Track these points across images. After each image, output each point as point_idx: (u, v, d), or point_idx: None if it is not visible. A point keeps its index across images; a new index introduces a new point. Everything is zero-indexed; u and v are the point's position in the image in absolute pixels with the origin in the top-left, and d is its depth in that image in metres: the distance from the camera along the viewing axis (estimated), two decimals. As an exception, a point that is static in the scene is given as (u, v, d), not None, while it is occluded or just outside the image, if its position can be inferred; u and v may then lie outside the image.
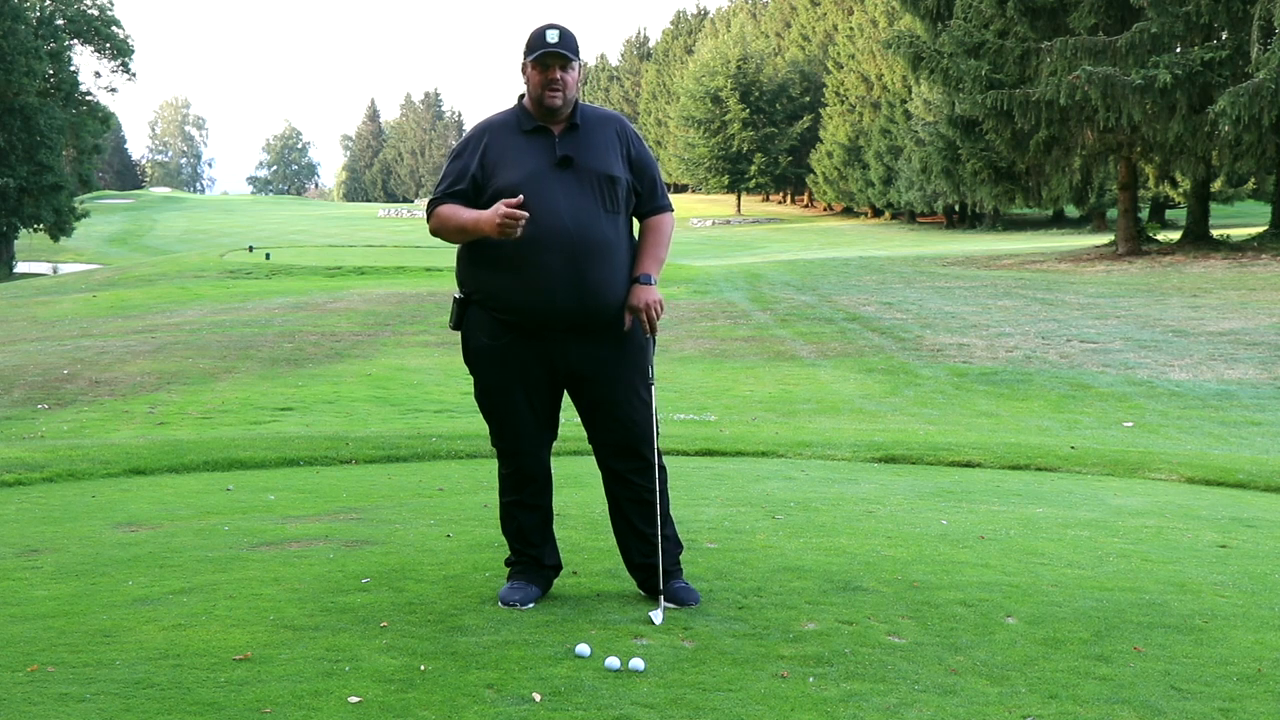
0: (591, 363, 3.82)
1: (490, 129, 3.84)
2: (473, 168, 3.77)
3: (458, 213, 3.73)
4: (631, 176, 3.86)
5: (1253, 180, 46.31)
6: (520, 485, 3.93)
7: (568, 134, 3.79)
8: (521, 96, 3.87)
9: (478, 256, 3.80)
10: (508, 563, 4.00)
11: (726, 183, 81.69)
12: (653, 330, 3.82)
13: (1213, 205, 38.68)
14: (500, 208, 3.59)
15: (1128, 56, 27.71)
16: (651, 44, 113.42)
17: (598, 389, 3.85)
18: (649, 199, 3.91)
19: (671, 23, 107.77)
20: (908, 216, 69.57)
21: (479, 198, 3.76)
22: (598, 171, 3.76)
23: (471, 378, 3.96)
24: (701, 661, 3.30)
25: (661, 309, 3.79)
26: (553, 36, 3.73)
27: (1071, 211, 59.50)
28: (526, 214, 3.60)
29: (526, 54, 3.76)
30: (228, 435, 9.87)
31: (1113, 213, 45.72)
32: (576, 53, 3.75)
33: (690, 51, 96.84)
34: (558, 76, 3.72)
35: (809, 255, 39.37)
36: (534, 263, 3.69)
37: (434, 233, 3.83)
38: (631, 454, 3.89)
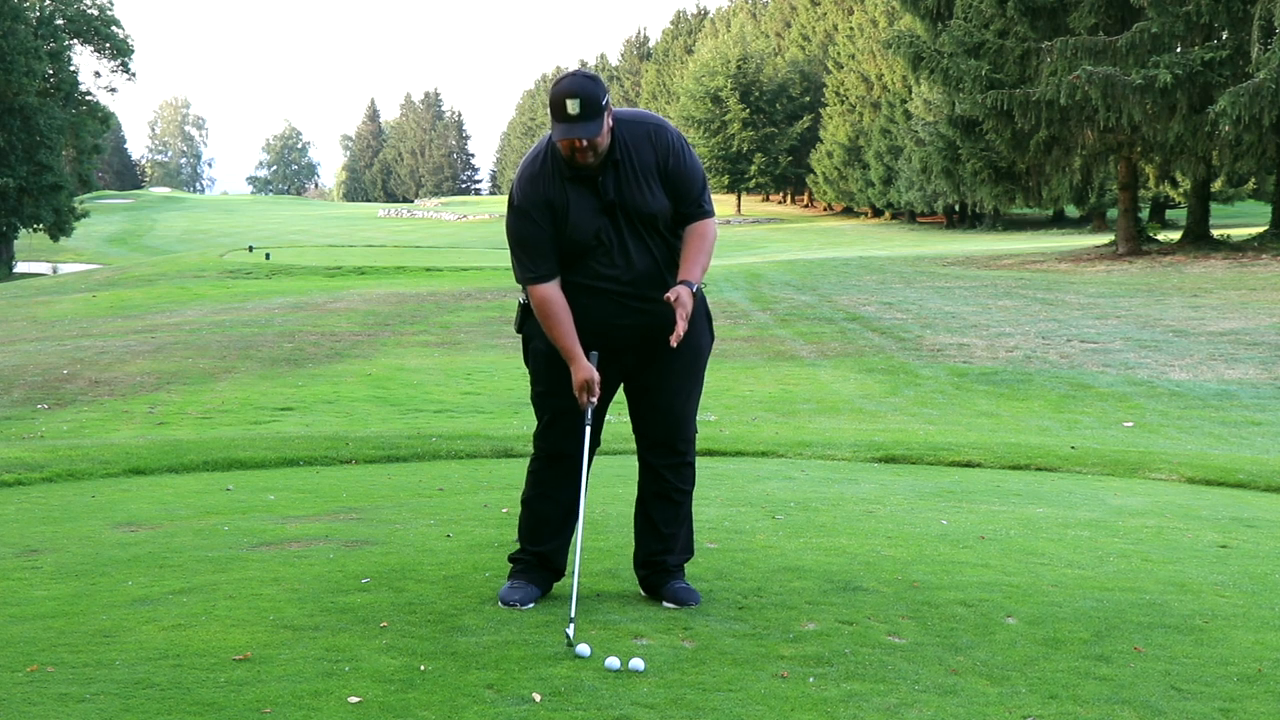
0: (648, 361, 3.90)
1: (540, 180, 3.75)
2: (548, 221, 3.73)
3: (567, 330, 3.73)
4: (670, 195, 3.79)
5: (1253, 180, 46.28)
6: (547, 479, 3.96)
7: (609, 171, 3.73)
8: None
9: None
10: (511, 559, 4.01)
11: (726, 183, 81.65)
12: (679, 328, 3.71)
13: (1213, 205, 38.61)
14: (589, 386, 3.72)
15: (1128, 56, 27.69)
16: (651, 44, 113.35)
17: (649, 378, 3.92)
18: (687, 206, 3.84)
19: (671, 23, 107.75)
20: (908, 216, 69.55)
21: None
22: (639, 212, 3.75)
23: (528, 377, 4.01)
24: (701, 661, 3.30)
25: (688, 316, 3.70)
26: (573, 108, 3.55)
27: (1071, 211, 59.49)
28: (596, 399, 3.76)
29: (551, 117, 3.64)
30: (228, 435, 9.87)
31: (1113, 213, 45.69)
32: (601, 112, 3.59)
33: (690, 51, 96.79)
34: (585, 144, 3.62)
35: (809, 255, 39.35)
36: (592, 304, 3.77)
37: (535, 309, 3.80)
38: (668, 449, 3.96)
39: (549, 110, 3.65)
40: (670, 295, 3.67)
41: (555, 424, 3.92)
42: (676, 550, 3.98)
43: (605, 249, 3.76)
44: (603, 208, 3.74)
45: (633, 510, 4.12)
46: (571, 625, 3.45)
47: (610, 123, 3.68)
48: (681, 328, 3.65)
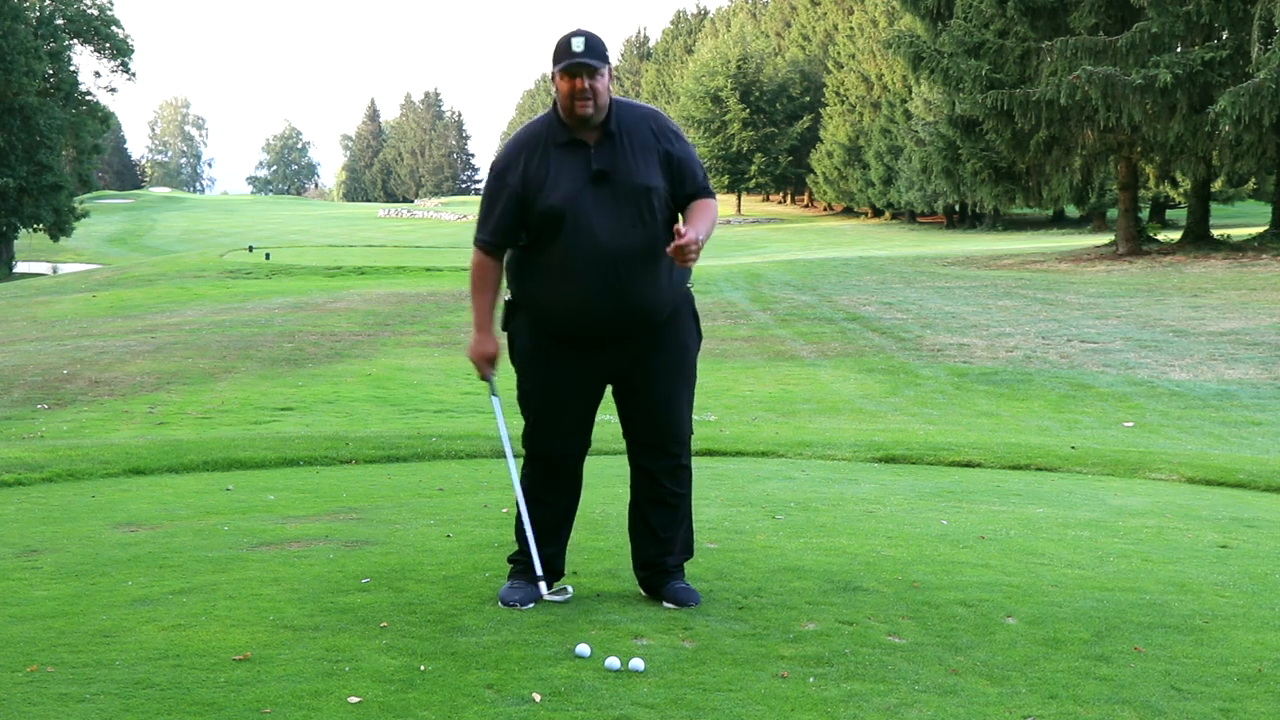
0: (634, 361, 3.85)
1: (526, 146, 3.77)
2: (516, 190, 3.74)
3: (489, 301, 3.89)
4: (670, 178, 3.79)
5: (1253, 180, 46.30)
6: (542, 485, 3.94)
7: (603, 143, 3.73)
8: (555, 104, 3.78)
9: (524, 267, 3.84)
10: (511, 559, 4.01)
11: (727, 183, 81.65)
12: (686, 253, 3.62)
13: (1213, 205, 38.61)
14: (484, 364, 3.94)
15: (1128, 56, 27.70)
16: (651, 44, 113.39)
17: (637, 382, 3.88)
18: (693, 188, 3.83)
19: (671, 22, 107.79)
20: (908, 216, 69.56)
21: (525, 214, 3.75)
22: (634, 184, 3.72)
23: (515, 377, 4.00)
24: (701, 661, 3.30)
25: (698, 250, 3.62)
26: (578, 45, 3.63)
27: (1072, 211, 59.50)
28: (493, 375, 3.95)
29: (554, 63, 3.67)
30: (228, 435, 9.87)
31: (1113, 213, 45.69)
32: (605, 58, 3.66)
33: (690, 51, 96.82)
34: (586, 86, 3.63)
35: (809, 255, 39.35)
36: (575, 282, 3.72)
37: (471, 269, 3.91)
38: (662, 453, 3.92)
39: (553, 59, 3.67)
40: (680, 228, 3.68)
41: (540, 425, 3.90)
42: (675, 552, 3.96)
43: (586, 222, 3.69)
44: (592, 176, 3.71)
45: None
46: (544, 587, 3.74)
47: (610, 80, 3.71)
48: (689, 238, 3.56)
